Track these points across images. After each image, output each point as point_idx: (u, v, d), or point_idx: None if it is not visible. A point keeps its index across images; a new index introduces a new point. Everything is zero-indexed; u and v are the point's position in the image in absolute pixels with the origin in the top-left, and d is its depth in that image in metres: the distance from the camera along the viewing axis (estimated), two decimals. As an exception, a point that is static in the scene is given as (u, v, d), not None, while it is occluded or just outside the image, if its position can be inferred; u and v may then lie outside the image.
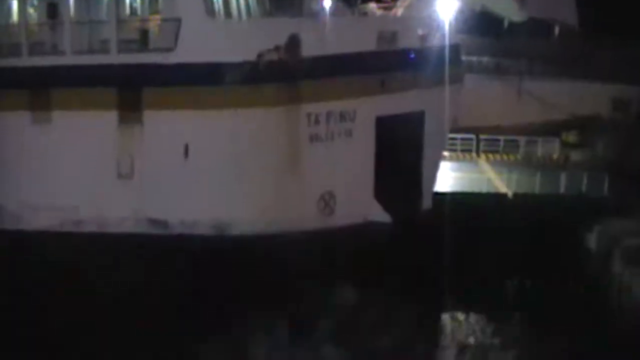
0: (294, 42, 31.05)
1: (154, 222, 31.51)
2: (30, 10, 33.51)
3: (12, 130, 31.46)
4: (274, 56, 30.93)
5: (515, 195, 37.83)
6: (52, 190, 31.46)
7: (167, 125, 30.93)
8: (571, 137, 45.13)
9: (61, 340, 28.15)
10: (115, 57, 31.26)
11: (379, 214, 33.70)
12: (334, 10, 34.93)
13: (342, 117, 32.37)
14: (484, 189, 38.47)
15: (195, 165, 31.08)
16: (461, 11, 35.64)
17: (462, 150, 43.99)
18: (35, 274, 29.98)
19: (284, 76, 31.09)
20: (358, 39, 32.46)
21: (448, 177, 39.10)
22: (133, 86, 31.05)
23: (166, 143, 31.09)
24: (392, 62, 33.28)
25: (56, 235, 31.11)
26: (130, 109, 31.09)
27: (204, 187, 31.14)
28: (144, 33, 32.12)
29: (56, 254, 30.24)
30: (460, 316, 33.98)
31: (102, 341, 28.37)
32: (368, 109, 32.72)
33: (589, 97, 45.66)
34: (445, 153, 40.39)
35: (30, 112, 31.51)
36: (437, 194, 36.26)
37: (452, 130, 38.85)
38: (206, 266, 30.31)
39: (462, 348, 31.54)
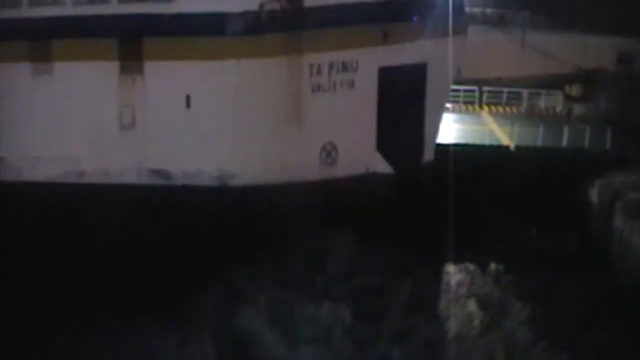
0: (296, -9, 30.93)
1: (156, 173, 31.60)
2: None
3: (13, 82, 31.29)
4: (276, 6, 30.75)
5: (518, 147, 37.75)
6: (54, 141, 31.45)
7: (168, 76, 30.86)
8: (574, 90, 44.84)
9: (63, 292, 28.45)
10: (115, 7, 30.99)
11: (380, 165, 33.81)
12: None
13: (345, 67, 32.30)
14: (486, 141, 38.34)
15: (197, 116, 31.08)
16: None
17: (465, 102, 43.78)
18: (38, 225, 30.13)
19: (286, 26, 30.96)
20: (361, -12, 32.29)
21: (450, 129, 38.99)
22: (134, 37, 30.88)
23: (168, 94, 31.05)
24: (394, 12, 33.10)
25: (59, 187, 31.17)
26: (131, 59, 30.97)
27: (206, 137, 31.16)
28: (145, -18, 31.94)
29: (59, 205, 30.38)
30: (461, 267, 34.24)
31: (103, 291, 28.66)
32: (370, 60, 32.62)
33: (593, 50, 45.31)
34: (448, 105, 40.25)
35: (31, 63, 31.32)
36: (439, 145, 36.18)
37: (455, 82, 38.50)
38: (209, 217, 30.45)
39: (462, 299, 31.88)
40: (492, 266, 33.65)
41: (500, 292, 32.02)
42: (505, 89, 44.11)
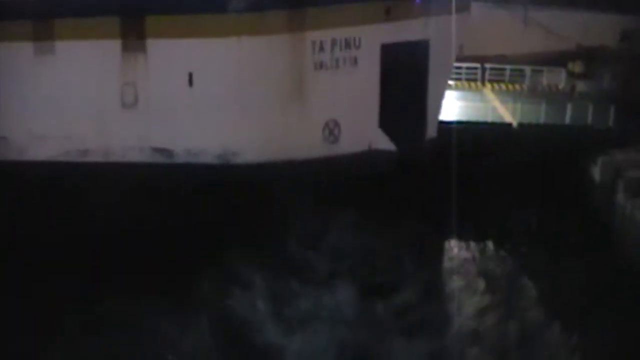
0: (298, -33, 30.85)
1: (159, 151, 31.64)
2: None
3: (15, 61, 31.19)
4: (278, -18, 30.75)
5: (520, 125, 37.70)
6: (57, 120, 31.36)
7: (170, 54, 30.80)
8: (577, 67, 44.75)
9: (66, 270, 28.56)
10: None
11: (383, 142, 33.79)
12: None
13: (347, 44, 32.26)
14: (488, 118, 38.27)
15: (199, 93, 31.07)
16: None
17: (468, 79, 43.77)
18: (40, 203, 30.25)
19: (289, 3, 30.87)
20: (363, -36, 32.19)
21: (453, 106, 38.95)
22: (136, 15, 30.77)
23: (170, 72, 31.00)
24: None
25: (61, 165, 31.18)
26: (133, 37, 30.89)
27: (209, 115, 31.14)
28: (146, -40, 31.81)
29: (61, 184, 30.43)
30: (466, 245, 34.38)
31: (106, 269, 28.80)
32: (373, 37, 32.55)
33: (596, 27, 45.16)
34: (451, 82, 40.19)
35: (33, 43, 31.24)
36: (441, 122, 36.19)
37: (458, 59, 38.56)
38: (211, 195, 30.50)
39: (471, 278, 31.96)
40: (497, 244, 33.76)
41: (508, 271, 32.14)
42: (507, 66, 44.04)
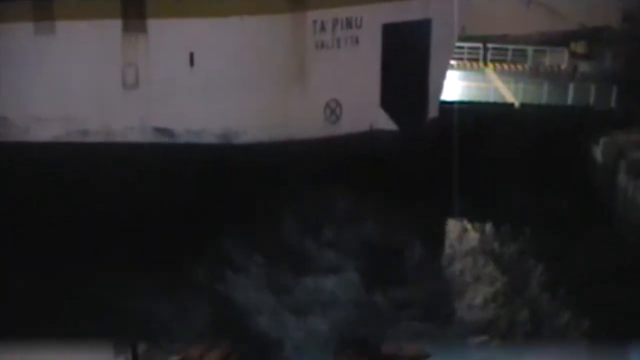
0: (299, -54, 30.77)
1: (160, 131, 31.64)
2: None
3: (15, 42, 31.09)
4: (279, -38, 30.67)
5: (522, 105, 37.64)
6: (58, 101, 31.31)
7: (171, 34, 30.76)
8: (580, 47, 44.55)
9: (68, 251, 28.51)
10: None
11: (384, 122, 33.85)
12: None
13: (349, 24, 32.24)
14: (490, 98, 38.19)
15: (200, 74, 31.06)
16: None
17: (469, 59, 43.57)
18: (42, 185, 30.22)
19: (290, -18, 30.91)
20: (364, -56, 32.06)
21: (455, 86, 38.84)
22: None
23: (171, 52, 30.97)
24: None
25: (63, 146, 31.15)
26: (134, 17, 30.81)
27: (210, 95, 31.16)
28: (147, -61, 31.67)
29: (62, 164, 30.39)
30: (467, 225, 34.41)
31: (106, 251, 28.71)
32: (374, 16, 32.52)
33: (598, 7, 44.96)
34: (452, 62, 40.03)
35: (33, 23, 31.15)
36: (443, 102, 36.13)
37: (460, 39, 38.35)
38: (212, 175, 30.50)
39: (478, 260, 32.02)
40: (498, 225, 33.77)
41: (510, 252, 32.19)
42: (510, 46, 43.79)
